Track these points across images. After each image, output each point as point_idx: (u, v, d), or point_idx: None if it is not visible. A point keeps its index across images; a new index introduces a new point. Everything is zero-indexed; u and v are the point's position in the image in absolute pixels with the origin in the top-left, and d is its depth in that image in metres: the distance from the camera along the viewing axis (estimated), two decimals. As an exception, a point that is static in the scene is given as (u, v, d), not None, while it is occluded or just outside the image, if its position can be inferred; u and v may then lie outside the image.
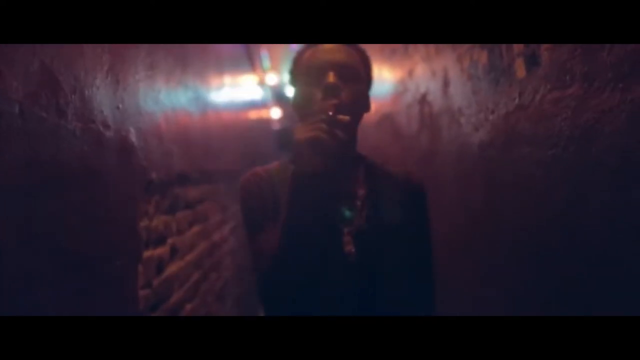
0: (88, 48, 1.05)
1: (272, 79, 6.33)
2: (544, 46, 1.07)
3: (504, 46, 1.27)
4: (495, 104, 1.34)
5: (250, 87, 4.78)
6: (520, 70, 1.18)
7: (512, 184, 1.28)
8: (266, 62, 5.97)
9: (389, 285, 0.93)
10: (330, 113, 0.82)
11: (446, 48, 1.71)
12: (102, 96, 1.12)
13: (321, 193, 0.85)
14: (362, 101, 0.96)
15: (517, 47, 1.19)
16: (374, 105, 3.35)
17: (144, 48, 1.44)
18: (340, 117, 0.82)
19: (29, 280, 0.82)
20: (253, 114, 5.04)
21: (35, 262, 0.84)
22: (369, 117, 3.26)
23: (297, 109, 0.96)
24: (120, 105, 1.24)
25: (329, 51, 0.94)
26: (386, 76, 2.67)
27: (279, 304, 0.94)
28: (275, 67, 6.49)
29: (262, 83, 5.85)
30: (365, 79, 0.98)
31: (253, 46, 4.80)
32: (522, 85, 1.18)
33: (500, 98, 1.30)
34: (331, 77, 0.89)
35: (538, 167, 1.14)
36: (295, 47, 4.03)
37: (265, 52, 5.75)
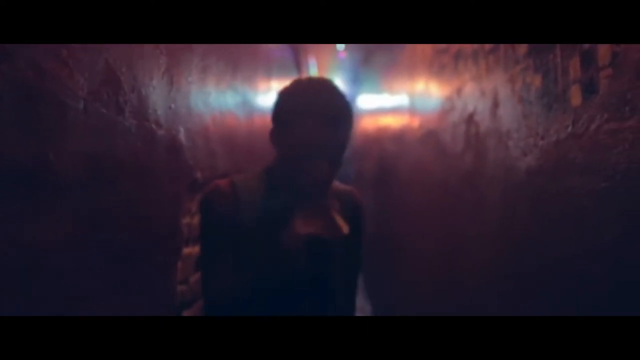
0: (148, 49, 1.10)
1: (317, 86, 6.39)
2: (602, 73, 1.04)
3: (559, 71, 1.23)
4: (546, 129, 1.30)
5: (296, 93, 4.84)
6: (575, 97, 1.14)
7: (559, 213, 1.24)
8: (314, 70, 6.04)
9: (331, 290, 1.02)
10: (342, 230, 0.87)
11: (498, 68, 1.68)
12: (156, 96, 1.16)
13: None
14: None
15: (574, 73, 1.16)
16: (419, 120, 3.30)
17: (198, 52, 1.49)
18: (342, 225, 0.88)
19: (79, 267, 0.86)
20: (296, 120, 5.10)
21: (86, 252, 0.89)
22: (413, 133, 3.24)
23: (282, 156, 0.97)
24: (173, 106, 1.28)
25: (320, 135, 0.89)
26: (433, 92, 2.64)
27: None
28: (322, 75, 6.54)
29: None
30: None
31: (301, 53, 4.86)
32: (577, 113, 1.14)
33: (552, 124, 1.26)
34: (322, 173, 0.90)
35: (589, 199, 1.10)
36: (343, 56, 4.05)
37: (313, 59, 5.81)
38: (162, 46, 1.17)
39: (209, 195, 0.97)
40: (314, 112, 0.89)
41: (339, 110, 0.93)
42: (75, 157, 0.83)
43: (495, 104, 1.68)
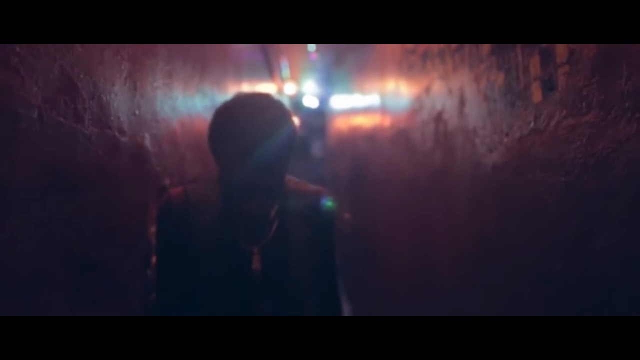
0: (108, 55, 1.08)
1: (290, 88, 6.37)
2: (560, 70, 1.06)
3: (520, 69, 1.26)
4: (510, 126, 1.33)
5: (268, 95, 4.82)
6: (536, 93, 1.17)
7: (524, 208, 1.26)
8: (286, 72, 6.02)
9: (292, 297, 0.99)
10: None
11: (463, 67, 1.71)
12: (119, 102, 1.14)
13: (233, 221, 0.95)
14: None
15: (534, 71, 1.19)
16: (390, 120, 3.32)
17: (162, 56, 1.47)
18: None
19: (39, 280, 0.84)
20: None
21: (47, 263, 0.86)
22: (384, 132, 3.26)
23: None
24: (137, 112, 1.26)
25: (258, 177, 0.92)
26: (403, 91, 2.67)
27: None
28: (294, 77, 6.53)
29: (280, 92, 5.89)
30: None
31: (272, 55, 4.84)
32: (538, 110, 1.16)
33: (515, 121, 1.29)
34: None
35: (551, 193, 1.12)
36: (314, 57, 4.02)
37: (285, 61, 5.80)
38: (124, 52, 1.15)
39: (162, 204, 0.98)
40: (251, 147, 0.90)
41: (277, 149, 0.94)
42: (31, 167, 0.80)
43: (462, 102, 1.71)
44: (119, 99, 1.13)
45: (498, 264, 1.45)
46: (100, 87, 1.04)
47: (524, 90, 1.23)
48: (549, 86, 1.11)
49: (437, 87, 2.02)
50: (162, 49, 1.44)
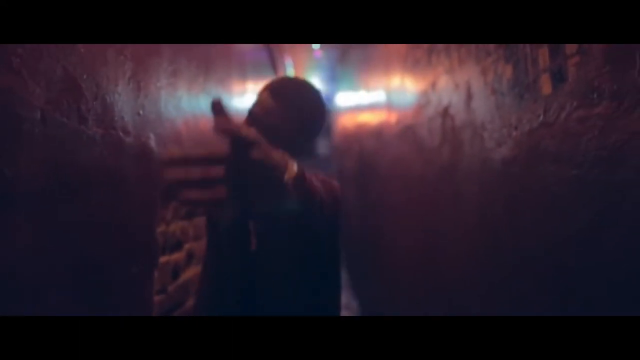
0: (111, 55, 1.07)
1: (295, 86, 6.37)
2: (570, 61, 1.04)
3: (529, 61, 1.24)
4: (519, 119, 1.30)
5: (273, 94, 4.81)
6: (546, 86, 1.15)
7: (534, 202, 1.24)
8: (290, 70, 6.01)
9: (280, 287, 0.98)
10: None
11: (470, 60, 1.68)
12: (123, 103, 1.13)
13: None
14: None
15: (543, 62, 1.16)
16: (396, 116, 3.30)
17: (167, 56, 1.46)
18: None
19: (45, 282, 0.83)
20: (275, 121, 5.06)
21: (53, 266, 0.85)
22: (391, 128, 3.24)
23: None
24: (141, 112, 1.25)
25: None
26: (409, 87, 2.65)
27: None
28: (299, 75, 6.52)
29: (285, 90, 5.88)
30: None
31: (276, 53, 4.83)
32: (548, 102, 1.14)
33: (524, 114, 1.27)
34: None
35: (561, 187, 1.10)
36: (319, 55, 4.01)
37: (289, 59, 5.79)
38: (127, 52, 1.14)
39: None
40: None
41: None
42: (34, 168, 0.80)
43: (469, 97, 1.69)
44: (122, 99, 1.13)
45: (508, 259, 1.43)
46: (104, 88, 1.03)
47: (533, 82, 1.21)
48: (558, 77, 1.09)
49: (444, 81, 2.00)
50: (167, 48, 1.43)
